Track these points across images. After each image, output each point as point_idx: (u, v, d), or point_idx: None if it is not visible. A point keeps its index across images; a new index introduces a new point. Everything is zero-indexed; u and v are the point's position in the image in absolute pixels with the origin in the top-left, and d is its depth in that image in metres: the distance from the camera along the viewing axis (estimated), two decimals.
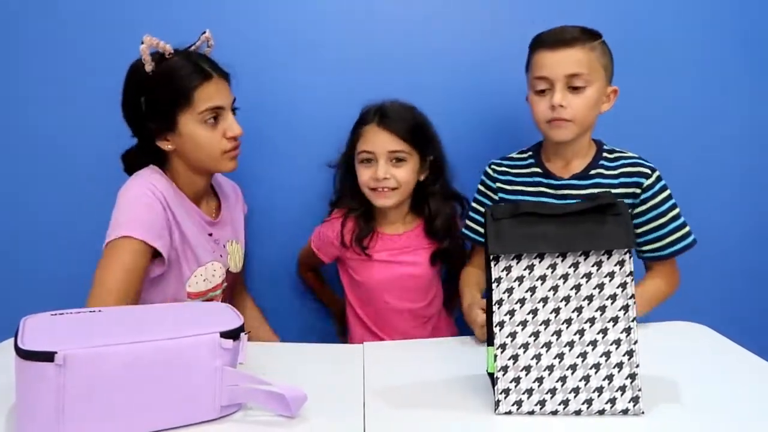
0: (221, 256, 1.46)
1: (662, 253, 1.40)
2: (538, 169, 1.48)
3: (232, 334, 0.96)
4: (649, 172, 1.38)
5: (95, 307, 1.12)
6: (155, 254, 1.27)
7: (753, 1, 1.76)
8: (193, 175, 1.39)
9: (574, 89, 1.34)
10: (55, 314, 0.98)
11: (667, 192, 1.40)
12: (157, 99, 1.30)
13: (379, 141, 1.45)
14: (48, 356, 0.83)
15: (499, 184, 1.51)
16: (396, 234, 1.55)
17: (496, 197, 1.52)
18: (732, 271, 1.86)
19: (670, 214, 1.39)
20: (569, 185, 1.42)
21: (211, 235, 1.44)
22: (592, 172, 1.42)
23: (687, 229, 1.40)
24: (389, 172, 1.45)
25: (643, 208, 1.39)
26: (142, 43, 1.26)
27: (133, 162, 1.40)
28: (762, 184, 1.86)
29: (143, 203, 1.27)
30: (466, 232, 1.56)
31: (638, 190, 1.38)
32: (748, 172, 1.85)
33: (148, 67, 1.27)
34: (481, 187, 1.57)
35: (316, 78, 1.71)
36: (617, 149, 1.46)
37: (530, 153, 1.52)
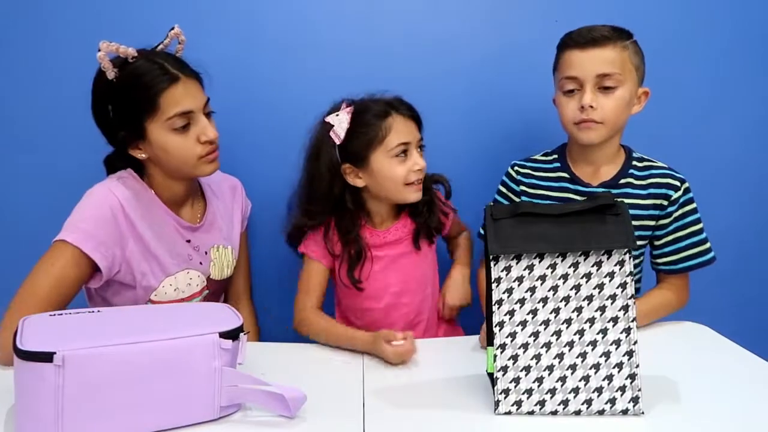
0: (201, 263, 1.41)
1: (676, 266, 1.38)
2: (564, 174, 1.44)
3: (232, 335, 0.96)
4: (678, 184, 1.35)
5: (18, 308, 1.13)
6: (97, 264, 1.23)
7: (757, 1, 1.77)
8: (171, 182, 1.34)
9: (605, 90, 1.29)
10: (54, 314, 0.98)
11: (693, 205, 1.37)
12: (123, 107, 1.24)
13: (412, 130, 1.38)
14: (47, 356, 0.84)
15: (522, 187, 1.48)
16: (384, 231, 1.47)
17: (518, 200, 1.47)
18: (732, 271, 1.85)
19: (691, 228, 1.36)
20: None
21: (189, 241, 1.39)
22: (622, 181, 1.38)
23: (707, 245, 1.37)
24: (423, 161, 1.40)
25: (667, 220, 1.36)
26: (99, 50, 1.19)
27: (114, 167, 1.36)
28: (762, 183, 1.86)
29: (94, 213, 1.24)
30: (484, 232, 1.52)
31: (665, 202, 1.35)
32: (748, 171, 1.85)
33: (110, 74, 1.21)
34: (503, 189, 1.53)
35: (316, 75, 1.69)
36: (646, 157, 1.42)
37: (555, 156, 1.48)
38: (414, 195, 1.40)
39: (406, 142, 1.36)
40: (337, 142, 1.38)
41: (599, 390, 0.97)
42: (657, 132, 1.75)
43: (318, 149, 1.42)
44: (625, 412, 0.97)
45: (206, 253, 1.42)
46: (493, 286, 1.03)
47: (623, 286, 0.99)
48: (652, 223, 1.37)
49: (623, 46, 1.30)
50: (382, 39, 1.71)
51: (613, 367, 0.97)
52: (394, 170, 1.37)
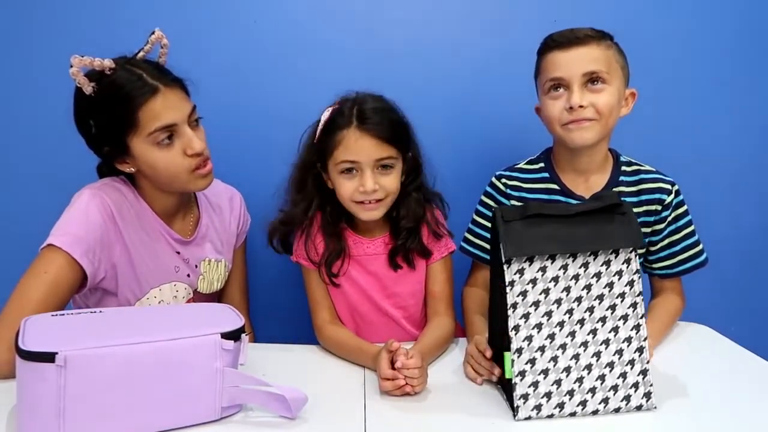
0: (188, 275, 1.37)
1: (672, 270, 1.39)
2: (554, 185, 1.39)
3: (233, 335, 0.96)
4: (670, 187, 1.35)
5: (13, 317, 1.06)
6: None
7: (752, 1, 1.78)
8: (163, 194, 1.30)
9: (593, 89, 1.27)
10: (56, 315, 0.97)
11: (684, 207, 1.38)
12: (103, 122, 1.20)
13: (364, 149, 1.26)
14: (49, 357, 0.83)
15: (513, 201, 1.42)
16: (369, 239, 1.40)
17: None
18: (733, 272, 1.88)
19: (685, 231, 1.38)
20: None
21: (179, 253, 1.35)
22: (614, 189, 1.36)
23: (700, 247, 1.39)
24: (378, 182, 1.28)
25: (662, 225, 1.36)
26: (71, 66, 1.15)
27: (107, 175, 1.32)
28: (762, 183, 1.87)
29: (83, 216, 1.19)
30: (467, 247, 1.46)
31: (659, 207, 1.35)
32: (748, 171, 1.86)
33: (87, 89, 1.16)
34: (489, 201, 1.46)
35: (316, 79, 1.69)
36: (634, 161, 1.41)
37: (542, 164, 1.43)
38: (365, 214, 1.32)
39: (353, 161, 1.27)
40: (315, 139, 1.35)
41: (615, 388, 0.99)
42: (657, 134, 1.78)
43: (306, 140, 1.38)
44: (639, 407, 0.99)
45: (196, 266, 1.38)
46: (507, 289, 1.03)
47: (631, 283, 1.02)
48: (648, 230, 1.38)
49: (607, 44, 1.29)
50: (381, 43, 1.72)
51: (626, 365, 0.99)
52: (341, 185, 1.31)
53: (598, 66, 1.27)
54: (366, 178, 1.27)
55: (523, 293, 1.03)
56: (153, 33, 1.25)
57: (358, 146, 1.26)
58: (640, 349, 1.00)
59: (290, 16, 1.69)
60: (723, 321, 1.40)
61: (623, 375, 0.99)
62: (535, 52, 1.36)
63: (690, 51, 1.79)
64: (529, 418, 0.99)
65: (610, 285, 1.02)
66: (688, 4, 1.77)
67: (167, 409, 0.91)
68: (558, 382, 0.99)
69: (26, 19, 1.66)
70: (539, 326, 1.02)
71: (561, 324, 1.01)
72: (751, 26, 1.80)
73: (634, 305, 1.01)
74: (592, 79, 1.27)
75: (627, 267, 1.02)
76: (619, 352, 1.00)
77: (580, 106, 1.26)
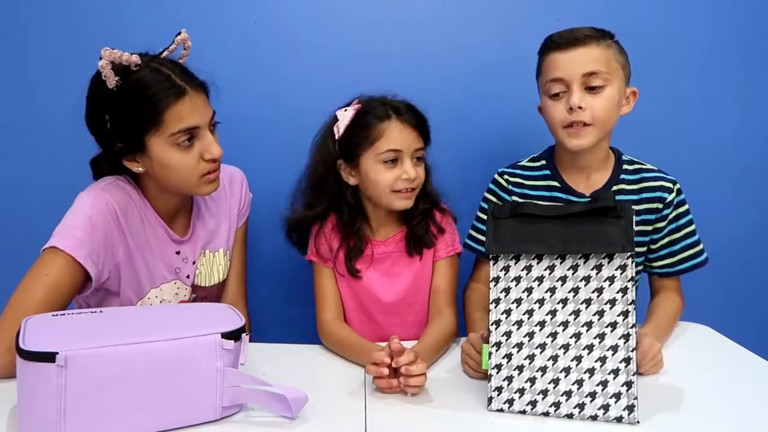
0: (188, 276, 1.33)
1: (672, 269, 1.35)
2: (555, 183, 1.37)
3: (233, 335, 0.94)
4: (671, 186, 1.31)
5: (12, 319, 1.04)
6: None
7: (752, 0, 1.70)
8: (167, 195, 1.26)
9: (593, 90, 1.23)
10: (57, 315, 0.97)
11: (686, 207, 1.33)
12: (122, 118, 1.14)
13: (405, 138, 1.29)
14: (49, 357, 0.82)
15: (514, 197, 1.39)
16: (380, 240, 1.40)
17: None
18: (732, 271, 1.82)
19: (686, 230, 1.33)
20: None
21: (179, 253, 1.32)
22: (615, 188, 1.33)
23: (700, 247, 1.34)
24: (416, 171, 1.31)
25: (663, 224, 1.32)
26: (101, 58, 1.09)
27: (102, 170, 1.27)
28: (762, 183, 1.81)
29: (87, 218, 1.15)
30: (470, 243, 1.44)
31: (660, 205, 1.31)
32: (747, 171, 1.80)
33: (111, 82, 1.11)
34: (492, 198, 1.44)
35: (317, 75, 1.68)
36: (636, 160, 1.36)
37: (544, 162, 1.40)
38: (401, 203, 1.33)
39: (396, 149, 1.29)
40: (337, 136, 1.34)
41: (592, 395, 0.94)
42: (657, 134, 1.73)
43: (322, 140, 1.39)
44: (619, 419, 0.93)
45: (194, 263, 1.35)
46: (491, 284, 1.01)
47: (624, 291, 0.94)
48: (649, 228, 1.33)
49: (607, 44, 1.25)
50: (382, 43, 1.69)
51: (609, 373, 0.93)
52: (381, 175, 1.31)
53: (597, 66, 1.23)
54: (408, 167, 1.30)
55: (506, 290, 1.00)
56: (179, 34, 1.21)
57: (403, 136, 1.30)
58: (627, 360, 0.92)
59: (290, 16, 1.66)
60: (723, 321, 1.32)
61: (603, 383, 0.93)
62: (537, 52, 1.33)
63: (692, 51, 1.73)
64: (501, 410, 0.98)
65: (600, 290, 0.94)
66: (690, 3, 1.71)
67: (168, 409, 0.89)
68: (532, 380, 0.96)
69: (25, 19, 1.64)
70: (519, 323, 0.99)
71: (542, 324, 0.97)
72: (752, 26, 1.73)
73: (625, 313, 0.93)
74: (591, 79, 1.23)
75: (621, 273, 0.94)
76: (602, 359, 0.93)
77: (579, 107, 1.23)
